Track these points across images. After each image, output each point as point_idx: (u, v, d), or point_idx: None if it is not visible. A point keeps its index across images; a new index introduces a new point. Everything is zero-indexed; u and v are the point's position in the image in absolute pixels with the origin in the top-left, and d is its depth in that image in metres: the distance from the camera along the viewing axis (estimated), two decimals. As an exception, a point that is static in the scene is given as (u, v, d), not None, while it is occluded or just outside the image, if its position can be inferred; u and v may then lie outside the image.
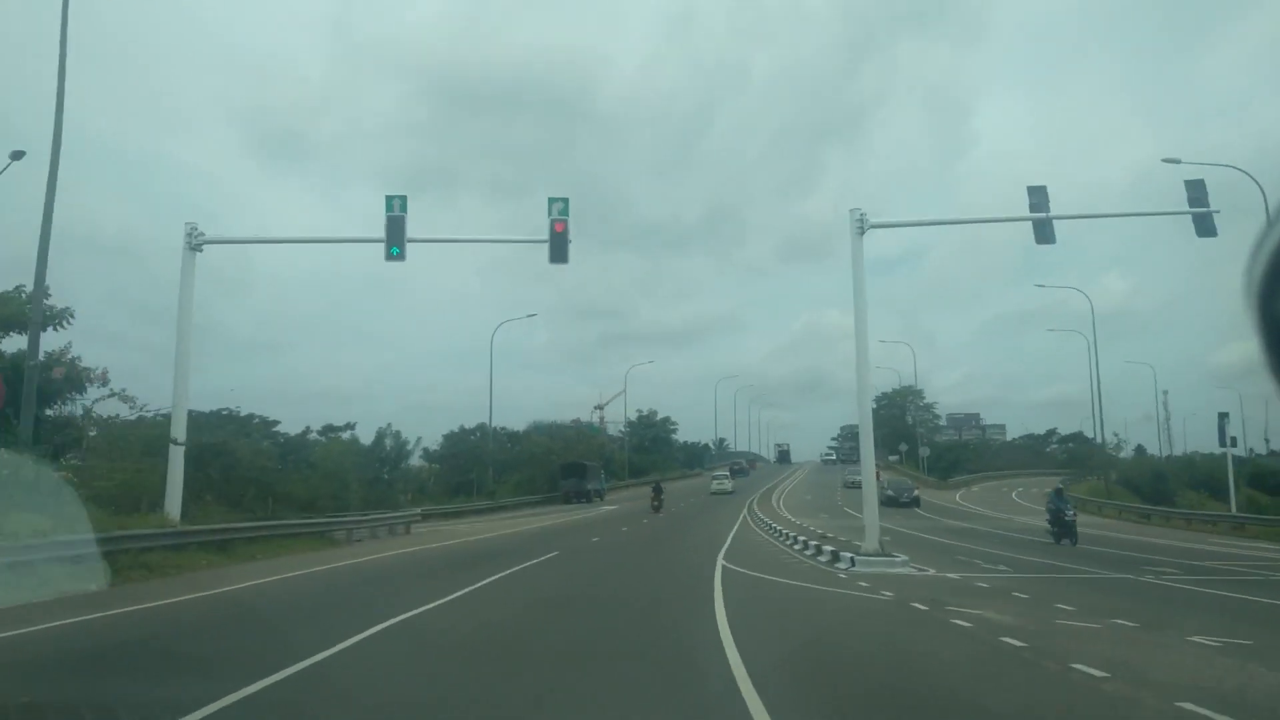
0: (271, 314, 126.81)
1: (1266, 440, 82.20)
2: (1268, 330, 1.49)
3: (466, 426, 64.24)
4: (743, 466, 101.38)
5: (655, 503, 47.26)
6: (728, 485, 70.01)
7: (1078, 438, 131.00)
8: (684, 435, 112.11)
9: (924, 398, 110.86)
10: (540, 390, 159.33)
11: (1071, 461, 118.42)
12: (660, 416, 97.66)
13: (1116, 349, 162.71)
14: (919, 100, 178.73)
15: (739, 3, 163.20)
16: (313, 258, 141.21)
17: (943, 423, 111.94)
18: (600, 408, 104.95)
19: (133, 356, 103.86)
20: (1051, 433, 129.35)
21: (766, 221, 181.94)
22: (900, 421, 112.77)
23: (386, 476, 54.26)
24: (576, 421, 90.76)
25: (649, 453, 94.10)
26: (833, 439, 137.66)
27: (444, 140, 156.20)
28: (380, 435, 55.03)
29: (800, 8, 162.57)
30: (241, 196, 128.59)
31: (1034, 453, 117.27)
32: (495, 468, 62.77)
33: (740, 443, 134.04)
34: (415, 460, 59.06)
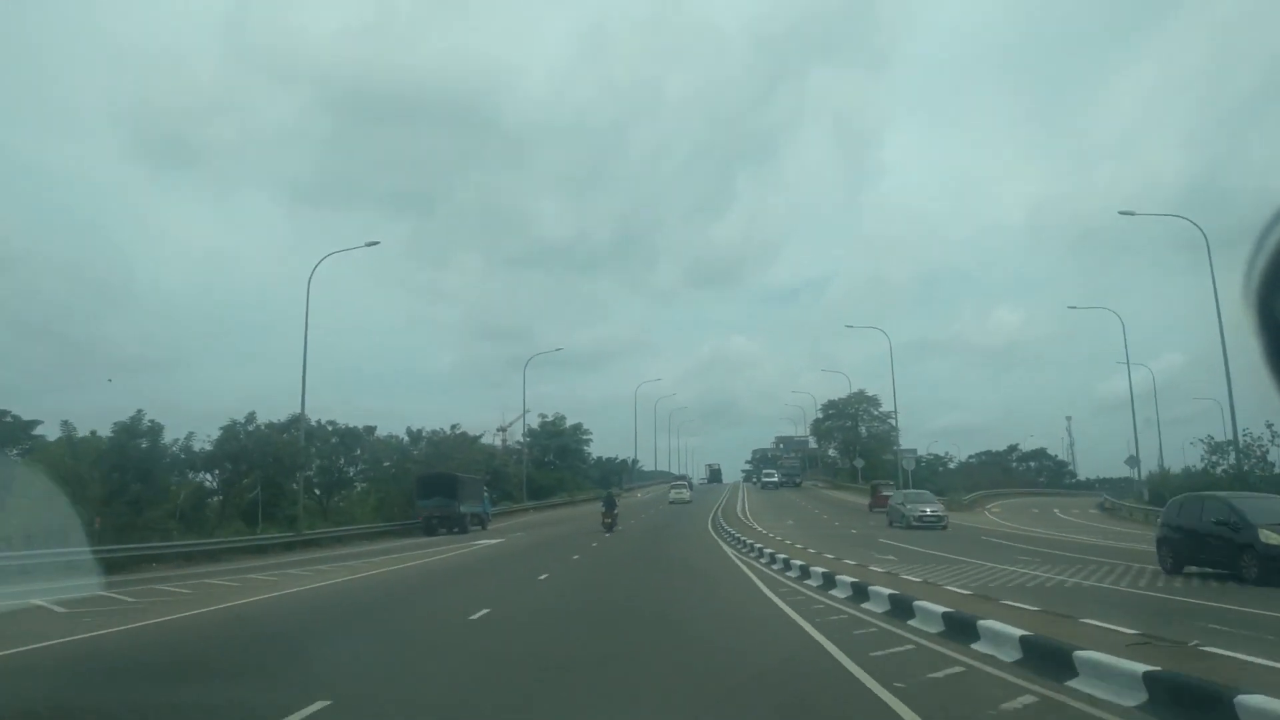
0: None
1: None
2: (1267, 331, 1.53)
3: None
4: (690, 482, 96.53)
5: (607, 520, 39.34)
6: (686, 495, 73.00)
7: (1040, 454, 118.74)
8: (597, 450, 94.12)
9: (879, 404, 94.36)
10: (443, 414, 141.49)
11: (1053, 480, 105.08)
12: (571, 423, 78.38)
13: (1011, 377, 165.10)
14: (828, 129, 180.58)
15: (653, 22, 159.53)
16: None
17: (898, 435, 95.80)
18: (503, 430, 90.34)
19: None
20: (1013, 449, 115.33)
21: (676, 245, 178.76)
22: (852, 433, 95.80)
23: (136, 492, 33.45)
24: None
25: (554, 469, 74.70)
26: (747, 461, 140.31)
27: (343, 150, 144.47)
28: (125, 429, 34.24)
29: (713, 30, 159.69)
30: (125, 202, 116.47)
31: (1002, 469, 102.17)
32: (328, 483, 42.37)
33: (658, 464, 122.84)
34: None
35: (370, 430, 45.02)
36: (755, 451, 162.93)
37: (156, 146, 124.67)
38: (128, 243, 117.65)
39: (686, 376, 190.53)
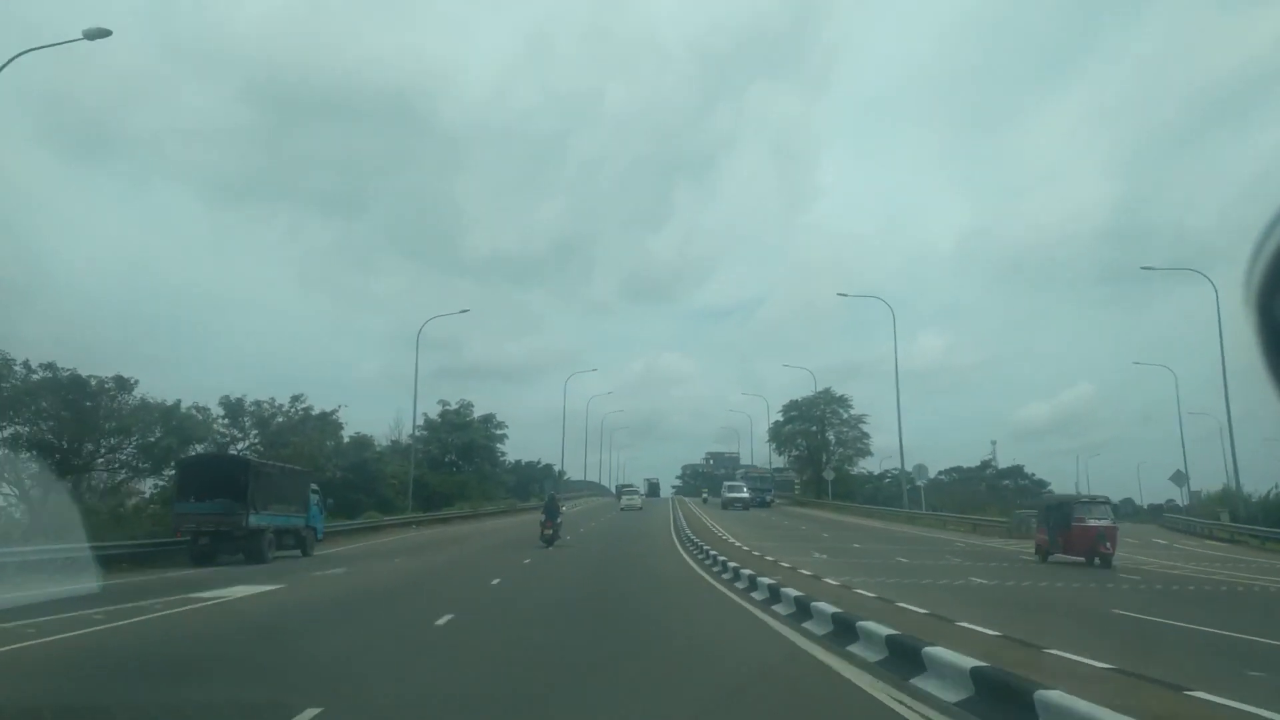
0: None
1: None
2: (1267, 333, 1.52)
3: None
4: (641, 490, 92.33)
5: (547, 530, 29.61)
6: (638, 501, 71.33)
7: (1017, 472, 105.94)
8: (515, 453, 77.66)
9: (850, 406, 79.69)
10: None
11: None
12: (480, 414, 61.34)
13: (933, 402, 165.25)
14: (767, 148, 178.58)
15: (595, 30, 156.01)
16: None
17: (871, 445, 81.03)
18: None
19: None
20: (986, 465, 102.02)
21: (613, 259, 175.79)
22: (817, 439, 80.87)
23: None
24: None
25: (457, 471, 57.83)
26: (677, 477, 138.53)
27: (269, 146, 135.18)
28: None
29: (655, 42, 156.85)
30: (31, 191, 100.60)
31: (989, 488, 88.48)
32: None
33: (586, 475, 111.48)
34: None
35: (125, 387, 27.39)
36: (686, 467, 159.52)
37: (68, 134, 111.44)
38: (33, 234, 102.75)
39: (619, 391, 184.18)
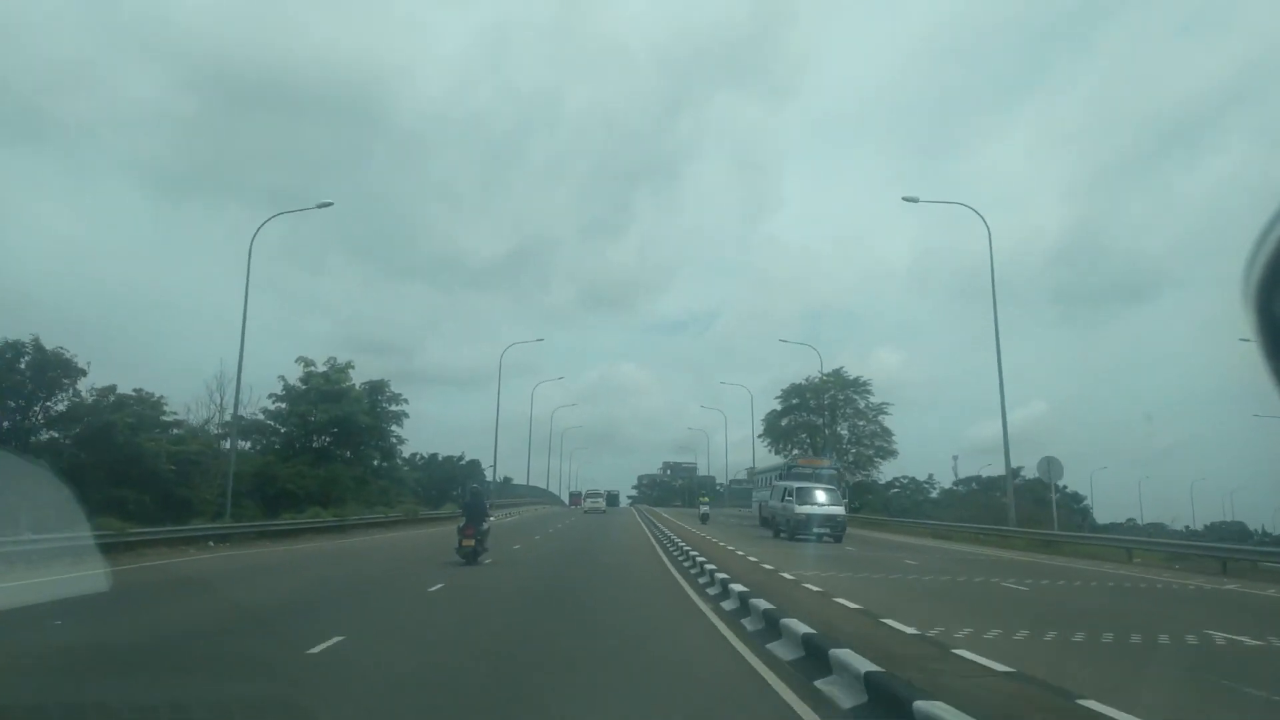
0: None
1: None
2: (1267, 332, 1.52)
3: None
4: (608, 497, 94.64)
5: (467, 542, 20.43)
6: (601, 504, 76.16)
7: (1037, 485, 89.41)
8: (431, 445, 58.94)
9: (870, 392, 62.03)
10: None
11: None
12: (365, 381, 41.85)
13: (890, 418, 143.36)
14: (728, 158, 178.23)
15: (557, 33, 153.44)
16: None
17: (896, 447, 63.16)
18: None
19: None
20: (1016, 474, 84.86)
21: (570, 265, 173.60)
22: (826, 433, 63.11)
23: None
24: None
25: (332, 460, 38.69)
26: (633, 487, 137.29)
27: (215, 139, 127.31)
28: None
29: (618, 47, 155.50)
30: None
31: (1038, 502, 70.93)
32: None
33: (530, 481, 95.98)
34: None
35: None
36: (642, 477, 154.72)
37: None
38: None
39: (576, 399, 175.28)
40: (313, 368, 40.00)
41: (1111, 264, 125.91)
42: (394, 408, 42.68)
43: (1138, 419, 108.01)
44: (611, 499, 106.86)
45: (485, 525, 21.13)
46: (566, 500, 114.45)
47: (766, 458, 63.14)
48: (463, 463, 58.72)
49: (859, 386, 61.52)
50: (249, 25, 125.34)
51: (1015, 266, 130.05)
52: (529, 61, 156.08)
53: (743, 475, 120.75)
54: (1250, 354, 1.56)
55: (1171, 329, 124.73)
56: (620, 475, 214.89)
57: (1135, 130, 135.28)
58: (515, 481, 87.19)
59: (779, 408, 64.54)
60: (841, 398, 61.83)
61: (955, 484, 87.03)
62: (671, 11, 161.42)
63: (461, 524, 20.82)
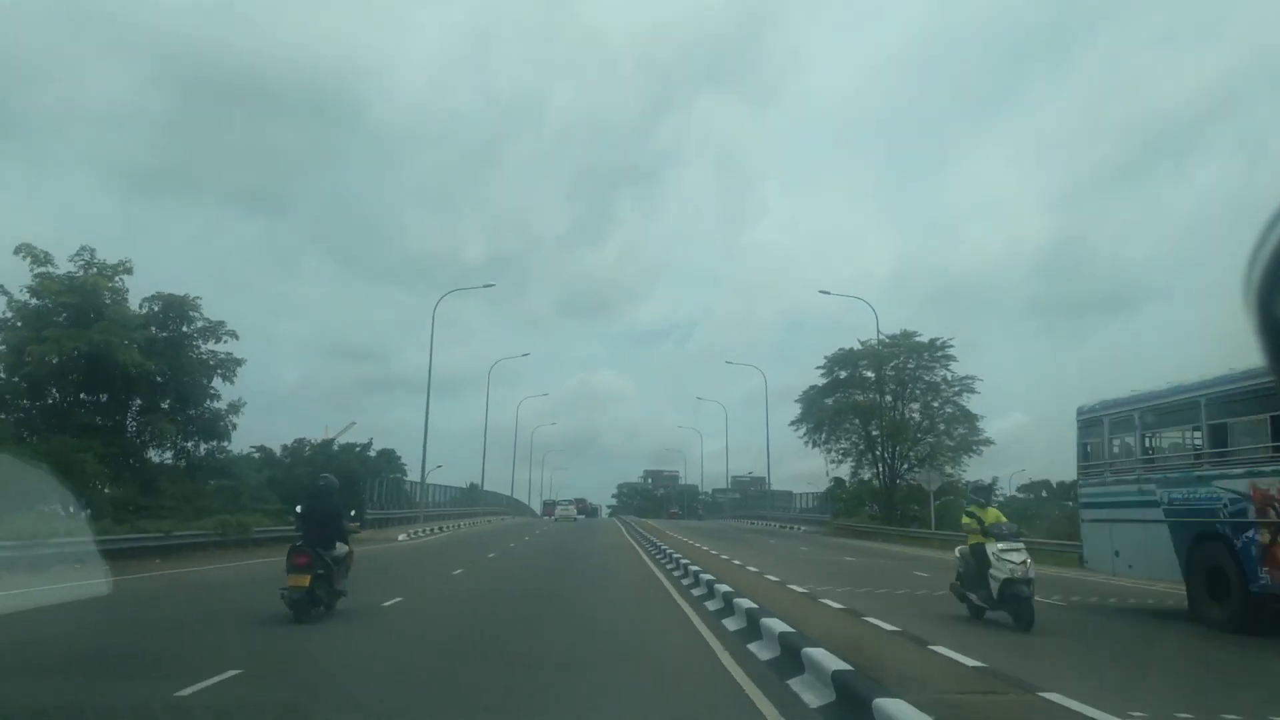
0: None
1: None
2: (1268, 333, 1.51)
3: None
4: (586, 506, 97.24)
5: (296, 582, 10.78)
6: (572, 512, 79.78)
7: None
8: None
9: (953, 358, 44.40)
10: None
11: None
12: (153, 296, 23.88)
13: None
14: (711, 163, 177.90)
15: (539, 34, 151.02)
16: None
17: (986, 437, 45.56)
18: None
19: None
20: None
21: (549, 271, 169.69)
22: (894, 416, 45.64)
23: None
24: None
25: (61, 423, 20.92)
26: (613, 496, 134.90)
27: (185, 136, 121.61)
28: None
29: (601, 49, 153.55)
30: None
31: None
32: None
33: (514, 492, 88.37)
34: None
35: None
36: (622, 486, 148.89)
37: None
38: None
39: (550, 409, 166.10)
40: (48, 269, 22.20)
41: (1093, 275, 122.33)
42: (212, 347, 24.95)
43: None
44: (588, 509, 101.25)
45: (340, 550, 11.70)
46: (539, 510, 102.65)
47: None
48: (370, 454, 41.25)
49: (937, 351, 44.10)
50: (223, 17, 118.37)
51: (996, 277, 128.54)
52: (510, 62, 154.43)
53: (724, 485, 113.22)
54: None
55: (1153, 340, 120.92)
56: (600, 484, 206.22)
57: (1116, 140, 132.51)
58: (487, 489, 74.76)
59: (822, 382, 47.02)
60: (915, 366, 44.42)
61: (1018, 491, 70.51)
62: (655, 11, 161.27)
63: (295, 545, 11.11)
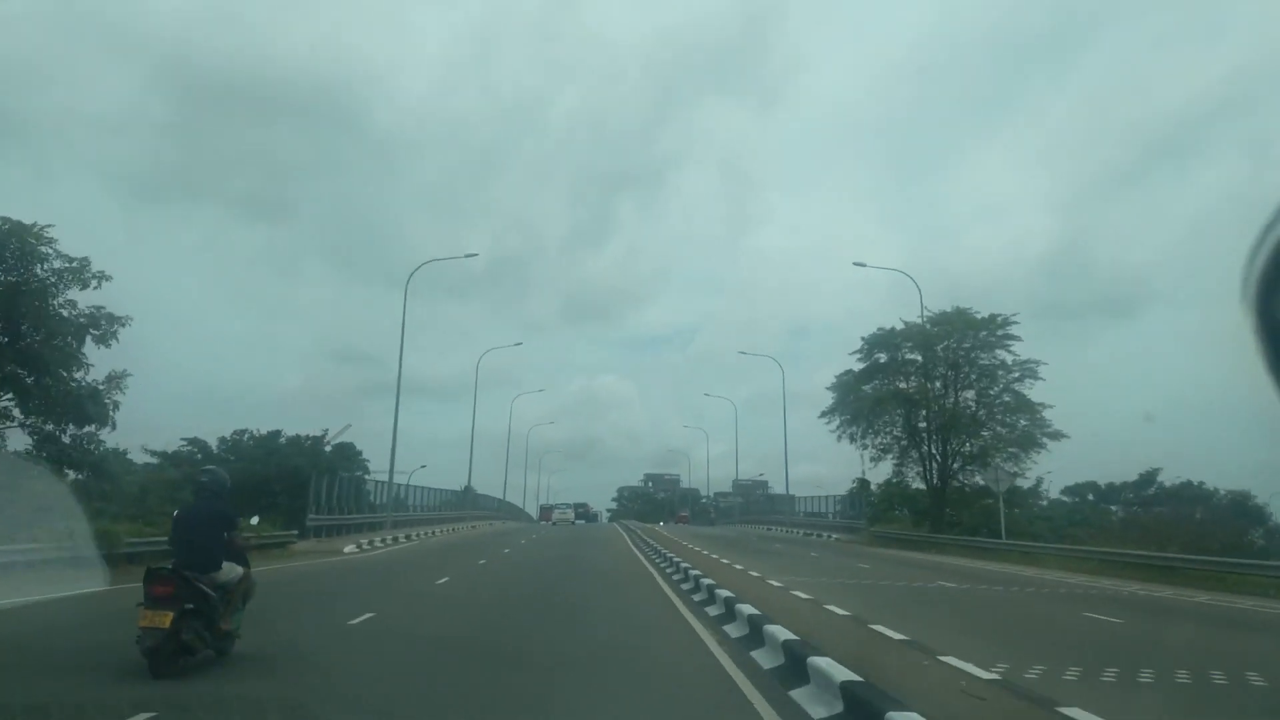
0: None
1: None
2: (1266, 333, 1.50)
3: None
4: (586, 512, 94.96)
5: (154, 616, 7.41)
6: (570, 516, 77.63)
7: (1186, 490, 66.52)
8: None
9: (1016, 339, 37.59)
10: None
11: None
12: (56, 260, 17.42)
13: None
14: (714, 167, 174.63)
15: (543, 39, 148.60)
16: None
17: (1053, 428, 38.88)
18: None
19: None
20: (1148, 480, 62.25)
21: (551, 275, 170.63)
22: (946, 404, 38.89)
23: None
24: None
25: None
26: (613, 500, 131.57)
27: (188, 141, 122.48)
28: None
29: (605, 53, 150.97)
30: None
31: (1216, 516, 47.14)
32: None
33: (506, 496, 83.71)
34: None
35: None
36: (623, 489, 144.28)
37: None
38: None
39: (551, 414, 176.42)
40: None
41: (1097, 279, 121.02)
42: (76, 297, 18.30)
43: (1127, 428, 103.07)
44: (586, 514, 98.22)
45: (229, 574, 8.41)
46: (536, 515, 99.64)
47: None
48: (324, 448, 34.41)
49: (997, 328, 37.33)
50: (226, 23, 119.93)
51: (999, 281, 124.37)
52: (514, 67, 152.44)
53: (729, 488, 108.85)
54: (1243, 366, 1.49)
55: (1157, 343, 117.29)
56: (599, 489, 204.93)
57: (1121, 142, 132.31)
58: (481, 492, 71.03)
59: (860, 365, 40.25)
60: (971, 348, 37.69)
61: (1062, 493, 63.93)
62: (657, 14, 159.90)
63: (158, 568, 7.95)
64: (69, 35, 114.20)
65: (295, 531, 26.37)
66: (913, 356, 39.07)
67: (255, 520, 13.90)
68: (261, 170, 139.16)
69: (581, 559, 25.44)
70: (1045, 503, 55.49)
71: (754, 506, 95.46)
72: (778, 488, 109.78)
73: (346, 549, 26.75)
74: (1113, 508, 63.52)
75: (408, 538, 34.11)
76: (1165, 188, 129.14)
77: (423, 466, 61.26)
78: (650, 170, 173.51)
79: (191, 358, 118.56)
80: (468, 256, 43.24)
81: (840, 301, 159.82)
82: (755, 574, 17.95)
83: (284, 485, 29.35)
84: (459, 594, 15.63)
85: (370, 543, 29.39)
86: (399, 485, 48.25)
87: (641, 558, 25.68)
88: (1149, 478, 61.75)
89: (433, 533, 40.18)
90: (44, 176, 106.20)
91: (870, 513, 45.41)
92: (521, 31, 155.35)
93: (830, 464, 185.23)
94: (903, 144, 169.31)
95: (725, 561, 21.75)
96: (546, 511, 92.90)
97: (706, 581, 14.65)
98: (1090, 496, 63.23)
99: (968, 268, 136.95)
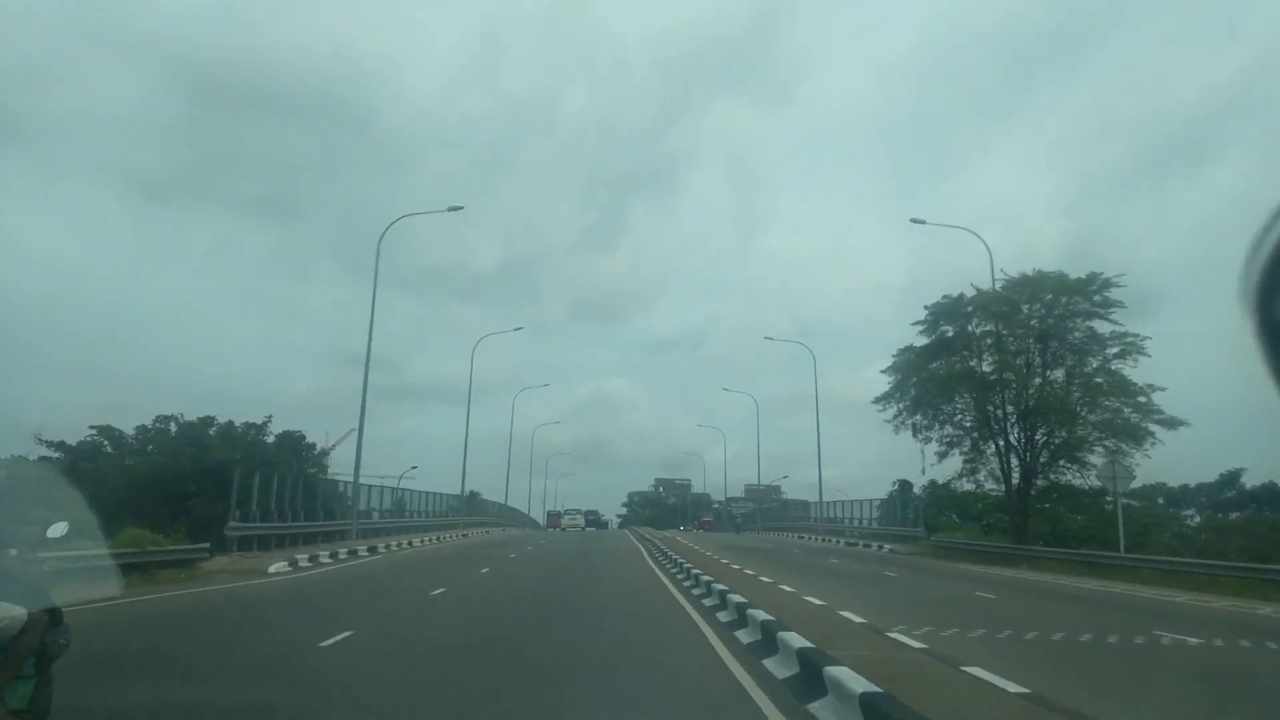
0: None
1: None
2: (1266, 333, 1.48)
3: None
4: (597, 519, 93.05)
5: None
6: (581, 522, 78.72)
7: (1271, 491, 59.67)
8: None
9: (1119, 305, 30.55)
10: None
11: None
12: None
13: (878, 435, 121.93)
14: (723, 167, 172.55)
15: (552, 37, 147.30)
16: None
17: (1163, 415, 31.93)
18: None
19: None
20: (1232, 479, 55.31)
21: (561, 277, 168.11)
22: (1046, 389, 31.68)
23: None
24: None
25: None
26: (623, 505, 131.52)
27: (196, 142, 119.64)
28: None
29: (615, 52, 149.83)
30: None
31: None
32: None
33: (509, 500, 77.46)
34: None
35: None
36: (633, 494, 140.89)
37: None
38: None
39: (561, 416, 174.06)
40: None
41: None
42: None
43: (1200, 428, 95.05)
44: (596, 521, 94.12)
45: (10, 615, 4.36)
46: (543, 520, 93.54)
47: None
48: (265, 437, 27.71)
49: (1095, 291, 30.38)
50: (231, 23, 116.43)
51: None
52: (523, 66, 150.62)
53: (743, 492, 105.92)
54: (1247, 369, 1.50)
55: (1162, 345, 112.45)
56: (609, 493, 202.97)
57: (1129, 144, 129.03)
58: (485, 497, 67.03)
59: (924, 339, 33.26)
60: (1057, 313, 30.77)
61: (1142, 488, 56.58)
62: (666, 13, 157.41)
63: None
64: (77, 36, 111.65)
65: (206, 545, 19.72)
66: (987, 328, 32.19)
67: (61, 531, 6.95)
68: (270, 170, 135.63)
69: (587, 586, 18.69)
70: (1109, 503, 49.02)
71: (770, 513, 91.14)
72: (793, 493, 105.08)
73: (273, 568, 20.10)
74: (1186, 512, 56.76)
75: (372, 550, 27.37)
76: (1175, 189, 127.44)
77: (413, 468, 55.64)
78: (660, 170, 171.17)
79: (194, 358, 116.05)
80: (451, 210, 35.90)
81: (850, 302, 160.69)
82: (859, 619, 11.23)
83: (204, 484, 22.87)
84: (351, 665, 8.98)
85: (314, 558, 22.72)
86: (390, 489, 42.16)
87: (669, 584, 18.89)
88: (1230, 478, 54.79)
89: (410, 543, 33.48)
90: (52, 178, 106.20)
91: (929, 519, 38.77)
92: (530, 31, 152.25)
93: (844, 467, 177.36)
94: (911, 143, 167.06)
95: (784, 588, 14.99)
96: (554, 518, 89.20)
97: (796, 644, 7.93)
98: (1160, 500, 56.14)
99: (977, 267, 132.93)
